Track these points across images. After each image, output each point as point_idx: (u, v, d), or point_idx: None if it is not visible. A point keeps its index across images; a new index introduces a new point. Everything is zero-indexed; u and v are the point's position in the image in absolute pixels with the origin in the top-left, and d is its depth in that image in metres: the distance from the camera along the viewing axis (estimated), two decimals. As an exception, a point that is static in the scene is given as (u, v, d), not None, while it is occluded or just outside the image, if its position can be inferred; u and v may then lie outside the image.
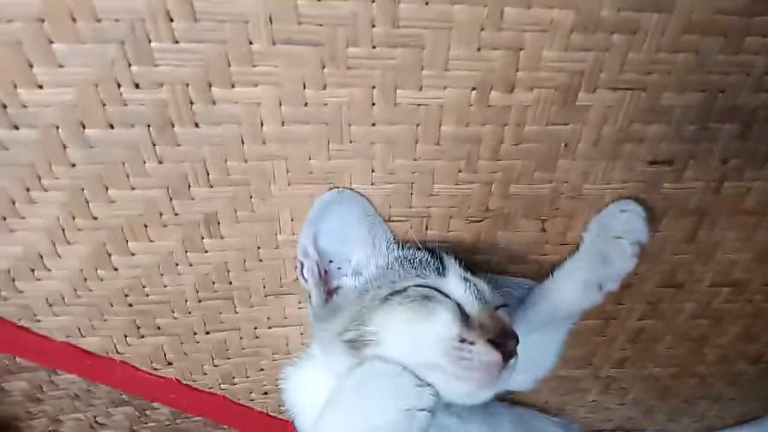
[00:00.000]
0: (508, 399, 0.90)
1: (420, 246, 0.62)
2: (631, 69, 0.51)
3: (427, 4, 0.46)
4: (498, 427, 0.78)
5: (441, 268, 0.59)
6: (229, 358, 0.77)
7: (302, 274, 0.61)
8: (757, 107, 0.55)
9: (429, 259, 0.60)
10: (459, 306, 0.55)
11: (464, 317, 0.54)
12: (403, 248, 0.62)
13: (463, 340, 0.52)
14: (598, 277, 0.62)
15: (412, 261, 0.60)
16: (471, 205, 0.62)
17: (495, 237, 0.65)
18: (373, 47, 0.48)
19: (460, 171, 0.59)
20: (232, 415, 0.85)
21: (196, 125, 0.52)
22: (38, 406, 0.86)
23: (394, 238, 0.63)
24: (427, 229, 0.64)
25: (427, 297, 0.55)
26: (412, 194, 0.60)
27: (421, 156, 0.57)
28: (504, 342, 0.52)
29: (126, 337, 0.71)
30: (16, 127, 0.50)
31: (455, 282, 0.57)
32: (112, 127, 0.51)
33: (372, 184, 0.59)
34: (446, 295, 0.55)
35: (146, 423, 0.92)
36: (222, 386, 0.81)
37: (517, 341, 0.53)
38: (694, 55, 0.51)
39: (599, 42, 0.50)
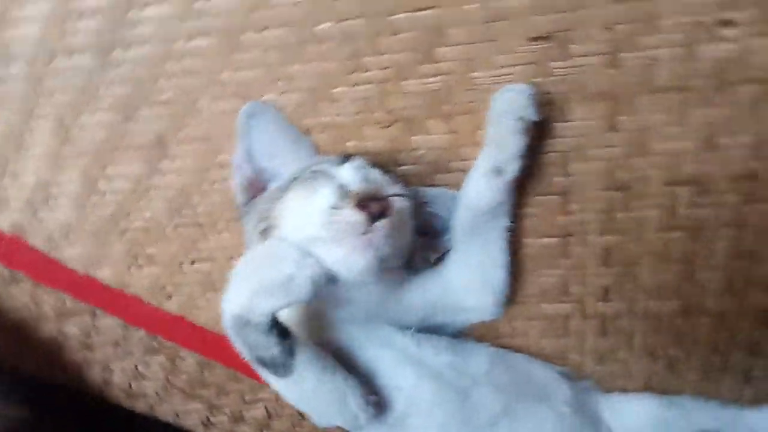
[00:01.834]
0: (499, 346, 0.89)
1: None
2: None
3: None
4: (469, 364, 0.80)
5: (343, 160, 0.66)
6: (217, 291, 0.88)
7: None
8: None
9: (337, 157, 0.68)
10: (343, 186, 0.62)
11: (345, 193, 0.61)
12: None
13: (335, 208, 0.59)
14: (495, 162, 0.65)
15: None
16: (373, 110, 0.69)
17: (410, 143, 0.71)
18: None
19: (350, 73, 0.67)
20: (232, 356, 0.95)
21: (128, 47, 0.67)
22: (92, 354, 1.03)
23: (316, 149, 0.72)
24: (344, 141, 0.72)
25: (314, 178, 0.63)
26: (316, 101, 0.69)
27: (311, 58, 0.66)
28: (367, 204, 0.58)
29: (129, 268, 0.87)
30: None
31: (349, 168, 0.65)
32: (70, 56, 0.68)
33: (282, 93, 0.69)
34: (330, 176, 0.63)
35: (179, 375, 1.05)
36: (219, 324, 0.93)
37: (386, 204, 0.59)
38: None
39: None
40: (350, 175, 0.64)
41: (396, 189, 0.66)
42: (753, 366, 0.86)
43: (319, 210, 0.60)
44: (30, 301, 0.94)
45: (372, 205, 0.58)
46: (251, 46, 0.65)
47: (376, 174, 0.66)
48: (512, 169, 0.65)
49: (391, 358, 0.74)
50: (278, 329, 0.59)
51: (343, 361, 0.70)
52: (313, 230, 0.60)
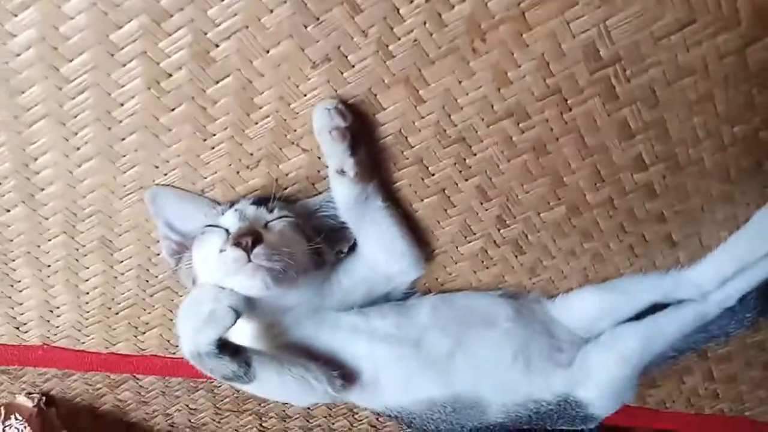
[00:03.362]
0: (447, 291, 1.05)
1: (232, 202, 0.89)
2: None
3: None
4: (414, 319, 0.96)
5: (228, 208, 0.85)
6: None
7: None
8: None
9: (224, 206, 0.87)
10: (228, 230, 0.81)
11: (227, 236, 0.80)
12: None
13: (222, 251, 0.78)
14: (334, 167, 0.81)
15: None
16: (239, 158, 0.86)
17: (280, 171, 0.88)
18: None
19: (205, 140, 0.84)
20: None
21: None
22: (150, 407, 1.29)
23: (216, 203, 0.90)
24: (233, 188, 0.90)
25: (206, 232, 0.82)
26: (194, 169, 0.88)
27: (173, 142, 0.85)
28: (240, 240, 0.76)
29: (135, 336, 1.10)
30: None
31: (229, 215, 0.83)
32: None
33: (165, 175, 0.88)
34: (219, 226, 0.82)
35: (222, 399, 1.29)
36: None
37: (253, 235, 0.76)
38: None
39: None
40: (230, 220, 0.82)
41: (275, 214, 0.83)
42: (669, 231, 0.97)
43: (213, 256, 0.79)
44: (85, 385, 1.20)
45: (243, 240, 0.76)
46: (128, 152, 0.84)
47: (252, 210, 0.83)
48: (350, 167, 0.80)
49: (343, 336, 0.92)
50: (230, 351, 0.77)
51: (306, 353, 0.89)
52: (215, 272, 0.79)
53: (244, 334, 0.85)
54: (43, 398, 1.20)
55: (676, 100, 0.80)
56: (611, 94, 0.80)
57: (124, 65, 0.76)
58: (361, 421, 1.30)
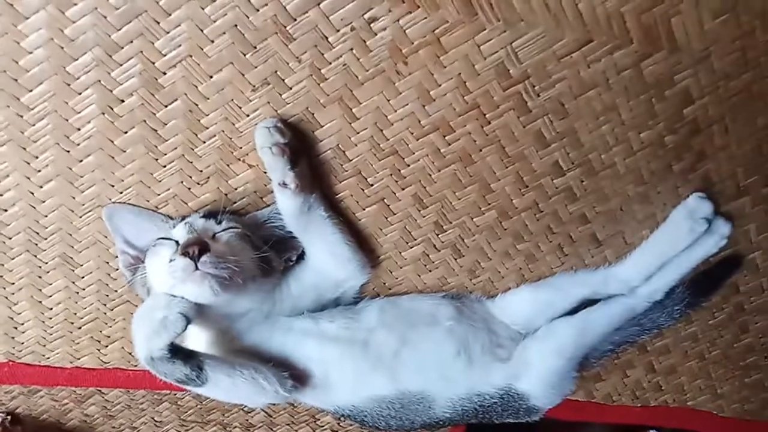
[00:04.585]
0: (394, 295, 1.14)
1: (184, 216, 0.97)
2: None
3: None
4: (362, 321, 1.05)
5: (179, 222, 0.93)
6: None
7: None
8: None
9: (176, 220, 0.96)
10: (178, 242, 0.89)
11: (176, 247, 0.88)
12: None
13: (172, 261, 0.87)
14: (276, 180, 0.90)
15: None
16: (191, 175, 0.96)
17: (229, 186, 0.97)
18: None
19: (158, 158, 0.94)
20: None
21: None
22: (116, 421, 1.36)
23: (170, 217, 0.99)
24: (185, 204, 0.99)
25: (157, 244, 0.91)
26: (148, 186, 0.96)
27: (127, 162, 0.94)
28: (186, 251, 0.85)
29: (99, 350, 1.17)
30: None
31: (179, 228, 0.92)
32: None
33: (120, 193, 0.97)
34: (170, 238, 0.90)
35: (186, 411, 1.36)
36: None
37: (201, 244, 0.85)
38: None
39: None
40: (180, 232, 0.90)
41: (223, 225, 0.92)
42: (593, 231, 1.08)
43: (163, 266, 0.87)
44: (51, 401, 1.26)
45: (190, 250, 0.85)
46: (86, 173, 0.93)
47: (201, 223, 0.92)
48: (290, 180, 0.89)
49: (294, 339, 1.00)
50: (182, 355, 0.85)
51: (260, 357, 0.97)
52: (165, 281, 0.87)
53: (199, 340, 0.94)
54: (8, 417, 1.25)
55: (583, 111, 0.91)
56: (524, 108, 0.91)
57: (80, 93, 0.86)
58: (323, 427, 1.38)
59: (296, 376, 0.97)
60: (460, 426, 1.32)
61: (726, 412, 1.35)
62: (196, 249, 0.84)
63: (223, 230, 0.91)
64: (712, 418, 1.37)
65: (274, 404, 1.26)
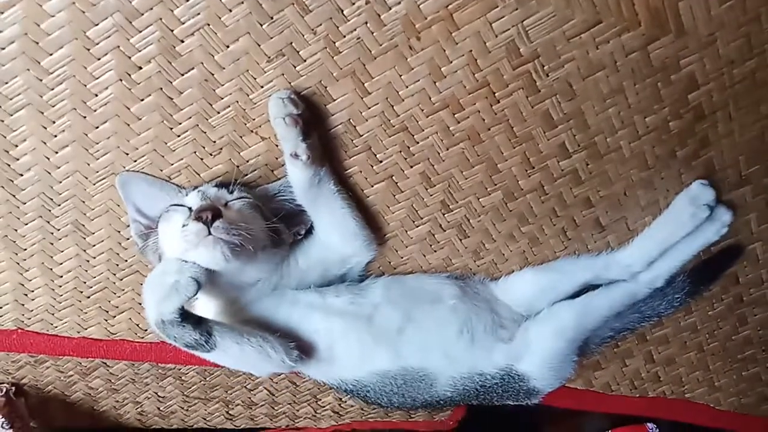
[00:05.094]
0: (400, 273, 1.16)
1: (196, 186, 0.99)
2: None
3: None
4: (367, 297, 1.06)
5: (192, 190, 0.96)
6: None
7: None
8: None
9: (189, 189, 0.98)
10: (191, 209, 0.91)
11: (189, 213, 0.90)
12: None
13: (185, 225, 0.89)
14: (288, 151, 0.92)
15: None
16: (204, 146, 0.98)
17: (242, 158, 0.99)
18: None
19: (173, 127, 0.96)
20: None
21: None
22: (120, 395, 1.37)
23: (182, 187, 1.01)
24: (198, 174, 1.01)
25: (170, 210, 0.93)
26: (162, 156, 0.99)
27: (143, 131, 0.96)
28: (200, 215, 0.87)
29: (106, 320, 1.19)
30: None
31: (192, 195, 0.94)
32: None
33: (134, 161, 0.99)
34: (182, 205, 0.92)
35: (190, 387, 1.38)
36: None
37: (215, 209, 0.87)
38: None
39: None
40: (193, 199, 0.93)
41: (235, 194, 0.94)
42: (597, 215, 1.09)
43: (176, 231, 0.89)
44: (57, 373, 1.28)
45: (203, 215, 0.87)
46: (101, 139, 0.95)
47: (213, 191, 0.94)
48: (302, 151, 0.91)
49: (300, 312, 1.02)
50: (192, 320, 0.87)
51: (266, 328, 0.99)
52: (178, 246, 0.89)
53: (208, 309, 0.96)
54: (12, 388, 1.27)
55: (591, 93, 0.94)
56: (533, 87, 0.93)
57: (99, 58, 0.88)
58: (324, 407, 1.40)
59: (301, 348, 0.98)
60: (460, 407, 1.34)
61: (723, 405, 1.37)
62: (209, 214, 0.86)
63: (235, 199, 0.93)
64: (708, 411, 1.38)
65: (278, 374, 1.27)
